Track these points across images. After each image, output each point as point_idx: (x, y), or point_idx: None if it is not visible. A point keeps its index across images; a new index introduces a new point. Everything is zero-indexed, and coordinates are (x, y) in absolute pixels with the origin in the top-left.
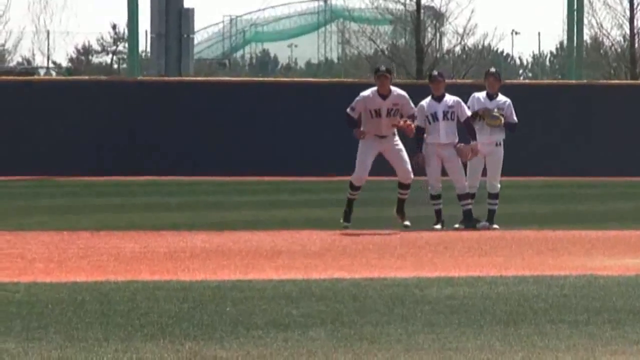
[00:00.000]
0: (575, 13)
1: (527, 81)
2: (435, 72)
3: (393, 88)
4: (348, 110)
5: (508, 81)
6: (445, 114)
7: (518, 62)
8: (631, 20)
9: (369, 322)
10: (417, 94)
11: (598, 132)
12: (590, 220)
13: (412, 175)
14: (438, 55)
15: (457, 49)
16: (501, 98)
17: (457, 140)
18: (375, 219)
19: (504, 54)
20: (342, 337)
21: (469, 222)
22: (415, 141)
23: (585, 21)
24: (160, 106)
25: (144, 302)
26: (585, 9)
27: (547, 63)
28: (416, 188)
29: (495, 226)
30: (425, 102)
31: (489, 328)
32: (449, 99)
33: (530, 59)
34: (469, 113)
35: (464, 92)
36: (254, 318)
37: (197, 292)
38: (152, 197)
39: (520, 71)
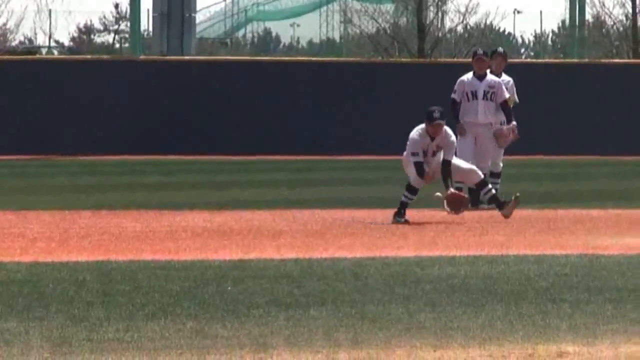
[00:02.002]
0: None
1: (529, 60)
2: (480, 51)
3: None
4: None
5: (510, 60)
6: (485, 94)
7: (520, 41)
8: None
9: (370, 301)
10: (418, 73)
11: (599, 110)
12: (591, 199)
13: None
14: (440, 34)
15: (459, 27)
16: (504, 78)
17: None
18: (377, 199)
19: (506, 33)
20: (343, 316)
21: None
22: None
23: (588, 0)
24: (162, 85)
25: (145, 282)
26: None
27: (549, 42)
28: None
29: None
30: (467, 77)
31: (490, 307)
32: (491, 78)
33: (532, 38)
34: (507, 95)
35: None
36: (255, 297)
37: (198, 272)
38: (153, 177)
39: (522, 50)
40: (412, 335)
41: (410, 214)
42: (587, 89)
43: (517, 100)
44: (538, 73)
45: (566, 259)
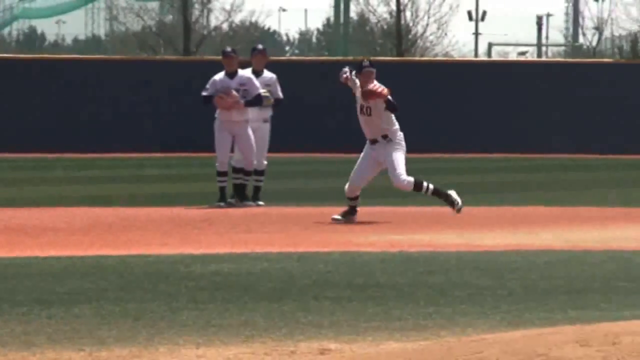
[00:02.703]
0: None
1: (293, 57)
2: (228, 49)
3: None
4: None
5: (275, 58)
6: (237, 92)
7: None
8: None
9: (133, 298)
10: (184, 70)
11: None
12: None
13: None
14: (205, 32)
15: (225, 25)
16: (267, 74)
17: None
18: (144, 196)
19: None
20: (106, 314)
21: (240, 196)
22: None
23: None
24: None
25: None
26: None
27: (314, 40)
28: None
29: (261, 203)
30: (219, 76)
31: (253, 304)
32: (242, 75)
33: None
34: (261, 90)
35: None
36: (17, 295)
37: None
38: None
39: (287, 47)
40: (175, 333)
41: (173, 212)
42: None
43: (281, 96)
44: (303, 70)
45: (329, 256)
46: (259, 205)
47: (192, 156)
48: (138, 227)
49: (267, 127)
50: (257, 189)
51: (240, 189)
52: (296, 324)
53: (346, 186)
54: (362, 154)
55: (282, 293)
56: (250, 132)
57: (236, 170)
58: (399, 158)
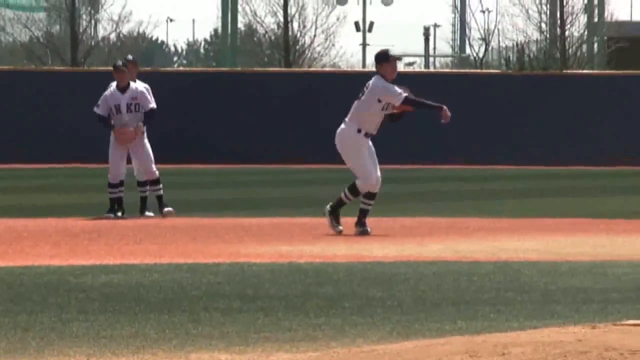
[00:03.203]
0: (229, 0)
1: (181, 68)
2: (119, 62)
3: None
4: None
5: (163, 69)
6: (129, 106)
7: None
8: (285, 7)
9: (23, 310)
10: (72, 81)
11: (253, 116)
12: (250, 207)
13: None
14: (93, 42)
15: (112, 36)
16: (134, 86)
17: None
18: (37, 207)
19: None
20: None
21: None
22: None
23: (240, 8)
24: None
25: None
26: None
27: (202, 50)
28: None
29: (150, 214)
30: (110, 91)
31: (143, 316)
32: (134, 88)
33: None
34: (153, 105)
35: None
36: None
37: None
38: None
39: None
40: (65, 344)
41: (64, 223)
42: (241, 96)
43: (153, 106)
44: (191, 81)
45: (218, 267)
46: (148, 217)
47: (82, 167)
48: (27, 238)
49: (143, 138)
50: (160, 198)
51: (159, 200)
52: (187, 335)
53: (366, 184)
54: (363, 151)
55: (172, 304)
56: (146, 141)
57: (141, 183)
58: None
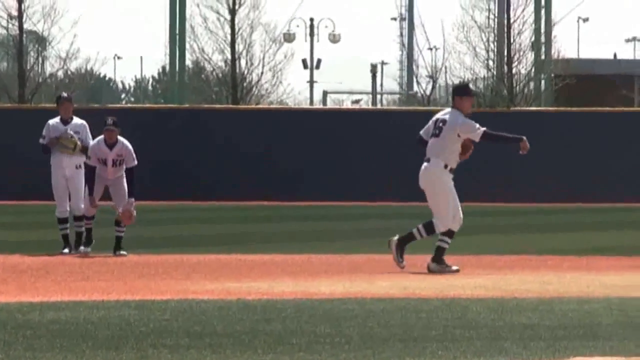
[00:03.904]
0: (177, 38)
1: (129, 105)
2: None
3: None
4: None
5: (111, 105)
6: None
7: (121, 86)
8: (232, 45)
9: None
10: (19, 118)
11: (202, 153)
12: (197, 244)
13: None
14: (40, 79)
15: (60, 73)
16: (77, 121)
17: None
18: None
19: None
20: None
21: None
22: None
23: (188, 46)
24: None
25: None
26: (188, 33)
27: (150, 87)
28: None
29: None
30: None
31: (91, 352)
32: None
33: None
34: (90, 141)
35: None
36: None
37: None
38: None
39: (123, 95)
40: None
41: (11, 259)
42: (188, 133)
43: (90, 143)
44: (137, 118)
45: (166, 304)
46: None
47: (29, 204)
48: None
49: (80, 173)
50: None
51: (88, 233)
52: None
53: (445, 224)
54: (451, 187)
55: (120, 341)
56: (81, 176)
57: (78, 218)
58: None
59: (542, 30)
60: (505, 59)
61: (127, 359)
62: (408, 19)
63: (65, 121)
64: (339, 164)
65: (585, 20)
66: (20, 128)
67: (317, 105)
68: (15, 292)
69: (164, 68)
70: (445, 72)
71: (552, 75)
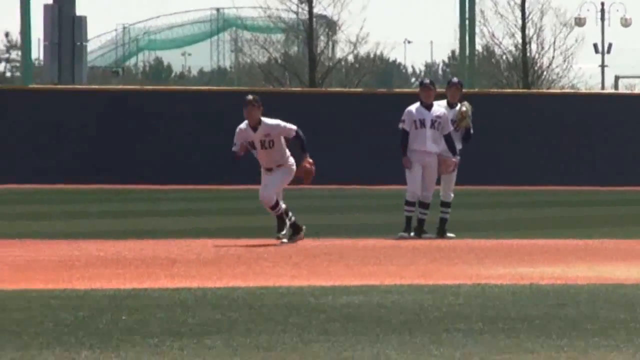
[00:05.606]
0: (467, 22)
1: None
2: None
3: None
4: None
5: (398, 90)
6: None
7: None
8: (523, 29)
9: (264, 330)
10: (310, 102)
11: (492, 140)
12: (483, 229)
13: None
14: (330, 64)
15: (350, 57)
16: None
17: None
18: (269, 228)
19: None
20: (237, 346)
21: (420, 230)
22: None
23: (477, 30)
24: (53, 114)
25: (39, 311)
26: (477, 18)
27: (440, 72)
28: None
29: (451, 234)
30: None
31: (384, 337)
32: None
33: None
34: (451, 128)
35: (359, 101)
36: (149, 326)
37: (92, 301)
38: (42, 206)
39: (413, 79)
40: None
41: (304, 244)
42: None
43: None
44: None
45: (459, 288)
46: (449, 238)
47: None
48: (266, 259)
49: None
50: (444, 221)
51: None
52: (428, 357)
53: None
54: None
55: (413, 325)
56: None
57: (424, 205)
58: None
59: None
60: None
61: (420, 343)
62: None
63: (427, 107)
64: (628, 148)
65: None
66: (309, 112)
67: (609, 89)
68: (308, 276)
69: (453, 52)
70: None
71: None
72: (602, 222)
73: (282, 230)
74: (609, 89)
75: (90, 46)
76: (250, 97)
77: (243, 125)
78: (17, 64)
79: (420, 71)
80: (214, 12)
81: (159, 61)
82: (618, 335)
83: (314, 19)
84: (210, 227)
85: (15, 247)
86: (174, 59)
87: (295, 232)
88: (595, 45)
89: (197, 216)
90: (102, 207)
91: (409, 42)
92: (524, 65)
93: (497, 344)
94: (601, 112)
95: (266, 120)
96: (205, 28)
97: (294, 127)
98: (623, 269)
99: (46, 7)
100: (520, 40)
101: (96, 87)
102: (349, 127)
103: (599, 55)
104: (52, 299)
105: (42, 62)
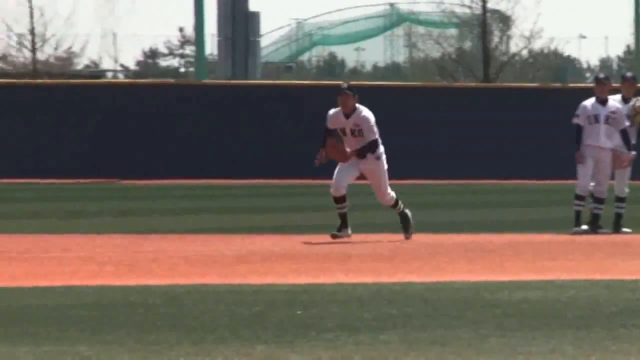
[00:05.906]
0: None
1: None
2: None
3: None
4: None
5: (572, 85)
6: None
7: (585, 65)
8: None
9: (440, 325)
10: (483, 97)
11: None
12: None
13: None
14: (505, 58)
15: (524, 52)
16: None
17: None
18: (447, 223)
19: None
20: (413, 341)
21: (595, 226)
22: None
23: None
24: (227, 109)
25: (214, 306)
26: None
27: (615, 67)
28: None
29: (626, 229)
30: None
31: (560, 332)
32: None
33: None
34: (627, 123)
35: (534, 96)
36: (324, 321)
37: (268, 296)
38: (219, 201)
39: (588, 74)
40: None
41: (478, 239)
42: None
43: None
44: None
45: (636, 284)
46: (624, 232)
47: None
48: (442, 254)
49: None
50: (619, 216)
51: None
52: (605, 352)
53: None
54: None
55: (589, 320)
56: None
57: (599, 200)
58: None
59: None
60: None
61: (597, 338)
62: None
63: (602, 102)
64: None
65: None
66: (486, 107)
67: None
68: (482, 271)
69: (628, 47)
70: None
71: None
72: None
73: (345, 228)
74: None
75: (264, 41)
76: (345, 84)
77: (334, 111)
78: (191, 59)
79: (595, 66)
80: (388, 7)
81: (332, 56)
82: None
83: (488, 14)
84: (380, 222)
85: (190, 242)
86: (347, 54)
87: (344, 226)
88: None
89: (366, 210)
90: (272, 201)
91: (583, 37)
92: None
93: None
94: None
95: (362, 109)
96: (379, 23)
97: (377, 135)
98: None
99: (220, 2)
100: None
101: (270, 82)
102: (524, 122)
103: None
104: (228, 294)
105: (215, 58)
